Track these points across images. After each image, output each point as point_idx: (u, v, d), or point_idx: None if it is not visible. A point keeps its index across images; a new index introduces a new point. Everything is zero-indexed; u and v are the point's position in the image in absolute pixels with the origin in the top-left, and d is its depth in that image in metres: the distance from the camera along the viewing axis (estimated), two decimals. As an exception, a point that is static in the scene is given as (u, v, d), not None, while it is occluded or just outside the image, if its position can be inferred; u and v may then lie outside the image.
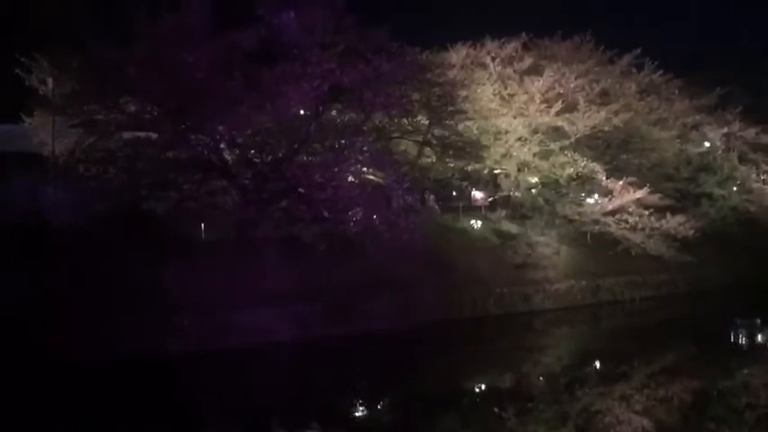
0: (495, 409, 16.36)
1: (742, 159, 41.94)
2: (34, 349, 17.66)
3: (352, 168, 25.58)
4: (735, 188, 40.82)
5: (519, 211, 34.44)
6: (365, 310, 23.78)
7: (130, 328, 19.36)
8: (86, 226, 21.44)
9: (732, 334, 25.45)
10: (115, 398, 16.74)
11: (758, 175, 42.61)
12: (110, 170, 24.08)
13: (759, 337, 26.33)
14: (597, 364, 21.68)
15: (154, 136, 24.60)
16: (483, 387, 19.20)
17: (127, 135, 24.66)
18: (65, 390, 16.94)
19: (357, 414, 16.85)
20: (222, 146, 24.83)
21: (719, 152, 41.53)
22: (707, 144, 41.67)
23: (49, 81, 26.17)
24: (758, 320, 27.81)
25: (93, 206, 22.31)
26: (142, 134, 24.69)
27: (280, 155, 25.00)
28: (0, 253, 19.52)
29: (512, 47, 34.09)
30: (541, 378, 19.98)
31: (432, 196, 35.38)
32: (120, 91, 23.95)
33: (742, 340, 25.40)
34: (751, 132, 41.30)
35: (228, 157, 25.22)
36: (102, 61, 23.05)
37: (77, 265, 19.87)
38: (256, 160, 25.27)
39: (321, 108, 26.14)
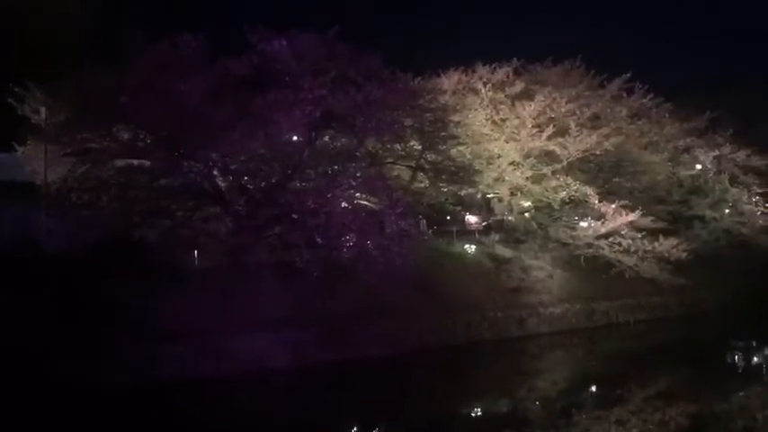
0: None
1: (733, 182, 42.12)
2: (23, 380, 17.43)
3: (346, 194, 25.60)
4: (727, 210, 40.99)
5: (513, 235, 34.49)
6: (359, 336, 23.61)
7: (123, 356, 19.20)
8: (79, 254, 21.36)
9: (728, 356, 25.44)
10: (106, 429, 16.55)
11: (750, 197, 42.74)
12: (102, 198, 24.02)
13: (754, 359, 26.33)
14: (593, 387, 21.56)
15: (147, 163, 24.62)
16: (479, 412, 19.06)
17: (120, 163, 24.67)
18: (53, 421, 16.73)
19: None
20: (215, 173, 24.86)
21: (711, 175, 41.75)
22: (698, 167, 41.90)
23: (42, 110, 26.20)
24: (753, 342, 27.85)
25: (86, 234, 22.21)
26: (135, 162, 24.71)
27: (273, 181, 25.03)
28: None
29: (503, 72, 34.43)
30: (537, 403, 19.84)
31: (424, 221, 35.42)
32: (113, 119, 23.99)
33: (738, 362, 25.39)
34: (742, 155, 41.55)
35: (221, 184, 25.24)
36: (95, 90, 23.09)
37: (69, 293, 19.76)
38: (249, 186, 25.29)
39: (314, 134, 26.29)
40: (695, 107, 40.91)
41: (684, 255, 32.90)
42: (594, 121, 34.92)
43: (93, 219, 23.16)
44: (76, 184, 24.11)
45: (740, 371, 24.32)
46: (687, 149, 41.32)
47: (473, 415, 18.85)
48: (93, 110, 23.57)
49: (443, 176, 32.62)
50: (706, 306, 35.06)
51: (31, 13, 34.84)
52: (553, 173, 33.26)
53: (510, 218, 35.38)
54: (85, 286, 20.20)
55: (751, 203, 42.74)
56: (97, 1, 38.26)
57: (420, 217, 34.74)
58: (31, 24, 34.66)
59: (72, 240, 21.95)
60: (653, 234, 33.29)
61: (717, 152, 42.00)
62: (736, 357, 26.30)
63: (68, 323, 19.10)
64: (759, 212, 42.91)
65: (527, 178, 33.36)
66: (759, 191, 42.74)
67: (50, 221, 23.52)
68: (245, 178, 25.37)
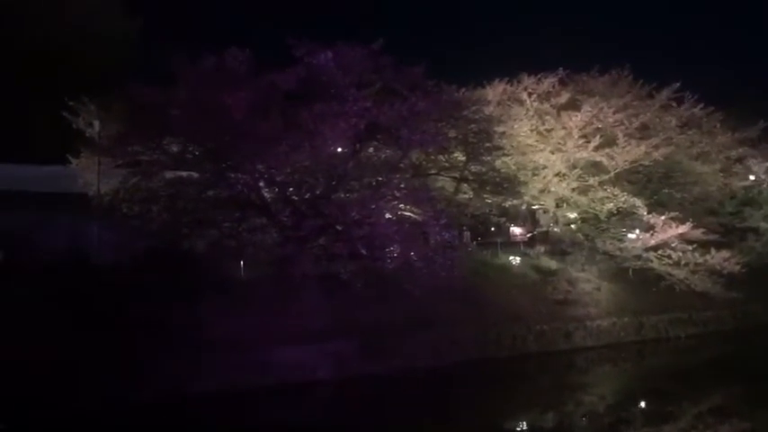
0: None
1: (789, 193, 40.92)
2: (72, 394, 17.79)
3: (389, 205, 25.66)
4: (782, 222, 39.79)
5: (558, 247, 34.08)
6: (403, 348, 23.58)
7: (167, 367, 19.48)
8: (128, 264, 21.88)
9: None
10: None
11: (806, 208, 41.46)
12: (152, 209, 24.55)
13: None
14: (642, 403, 21.12)
15: (195, 175, 25.08)
16: (524, 427, 18.82)
17: (169, 175, 25.18)
18: None
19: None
20: (261, 184, 25.18)
21: (765, 185, 40.63)
22: (752, 177, 40.80)
23: (96, 123, 27.03)
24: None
25: (136, 245, 22.75)
26: (184, 173, 25.19)
27: (317, 192, 25.24)
28: (43, 289, 19.89)
29: (548, 82, 34.11)
30: (584, 418, 19.51)
31: (468, 233, 35.24)
32: (163, 132, 24.54)
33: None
34: (796, 164, 40.37)
35: (267, 195, 25.56)
36: (146, 104, 23.69)
37: (117, 304, 20.17)
38: (294, 198, 25.53)
39: (358, 146, 26.45)
40: (747, 116, 39.90)
41: (737, 268, 32.03)
42: (643, 132, 34.32)
43: (143, 229, 23.73)
44: (128, 196, 24.71)
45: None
46: (740, 159, 40.29)
47: (518, 429, 18.64)
48: (144, 123, 24.19)
49: (488, 188, 32.41)
50: (759, 320, 34.06)
51: (85, 29, 36.03)
52: (600, 184, 32.79)
53: (556, 229, 35.00)
54: (134, 297, 20.58)
55: (807, 215, 41.44)
56: (146, 18, 39.41)
57: (464, 228, 34.62)
58: (86, 40, 35.84)
59: (122, 251, 22.50)
60: (704, 246, 32.48)
61: (771, 162, 40.89)
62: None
63: (115, 335, 19.46)
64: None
65: (573, 189, 32.97)
66: (816, 202, 41.42)
67: (102, 232, 24.14)
68: (291, 189, 25.62)
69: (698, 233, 32.43)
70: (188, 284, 21.05)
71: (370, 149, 28.12)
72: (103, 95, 26.36)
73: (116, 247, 22.41)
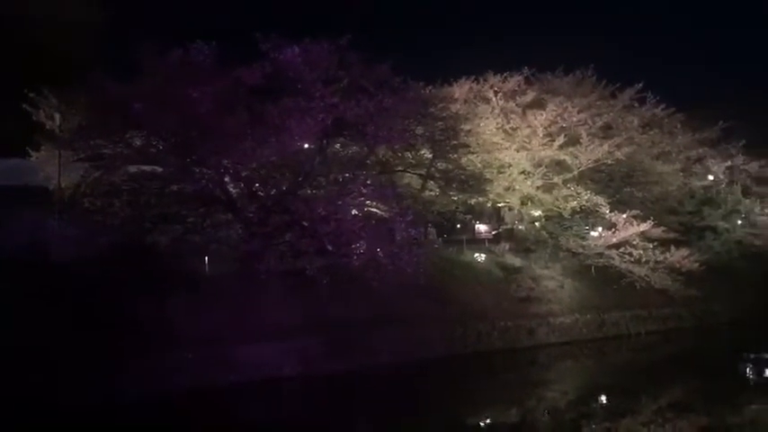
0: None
1: (746, 193, 41.88)
2: (33, 393, 17.42)
3: (356, 201, 25.62)
4: (739, 221, 40.70)
5: (523, 245, 34.41)
6: (369, 345, 23.61)
7: (133, 363, 19.22)
8: (90, 259, 21.47)
9: (739, 368, 25.23)
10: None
11: (762, 208, 42.51)
12: (115, 203, 24.17)
13: (766, 372, 26.11)
14: (603, 398, 21.45)
15: (159, 169, 24.75)
16: (488, 422, 18.99)
17: (132, 169, 24.84)
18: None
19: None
20: (227, 179, 24.97)
21: (723, 185, 41.54)
22: (710, 177, 41.73)
23: (57, 116, 26.52)
24: (765, 355, 27.62)
25: (98, 240, 22.37)
26: (147, 168, 24.86)
27: (284, 188, 25.11)
28: (3, 287, 19.44)
29: (514, 81, 34.45)
30: (547, 413, 19.75)
31: (434, 230, 35.40)
32: (126, 125, 24.15)
33: (749, 375, 25.19)
34: (754, 166, 41.39)
35: (233, 191, 25.34)
36: (109, 96, 23.29)
37: (79, 298, 19.82)
38: (260, 194, 25.36)
39: (325, 142, 26.36)
40: (707, 117, 40.77)
41: (696, 266, 32.75)
42: (606, 131, 34.86)
43: (105, 224, 23.35)
44: (89, 190, 24.31)
45: (752, 383, 24.13)
46: (699, 160, 41.18)
47: (482, 424, 18.80)
48: (107, 116, 23.80)
49: (454, 185, 32.61)
50: (718, 317, 34.83)
51: (45, 20, 35.21)
52: (564, 182, 33.19)
53: (520, 227, 35.34)
54: (95, 293, 20.27)
55: (764, 215, 42.50)
56: (111, 10, 38.65)
57: (430, 225, 34.77)
58: (46, 32, 35.02)
59: (84, 246, 22.08)
60: (664, 245, 33.13)
61: (729, 163, 41.88)
62: (748, 369, 26.09)
63: (78, 329, 19.14)
64: (772, 224, 42.63)
65: (538, 187, 33.31)
66: (772, 202, 42.53)
67: (63, 226, 23.70)
68: (257, 185, 25.46)
69: (658, 231, 33.10)
70: (152, 281, 20.80)
71: (337, 146, 28.08)
72: (66, 87, 25.82)
73: (77, 241, 21.98)
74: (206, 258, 24.61)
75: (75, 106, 25.47)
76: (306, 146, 25.98)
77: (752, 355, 27.75)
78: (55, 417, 16.97)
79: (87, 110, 24.65)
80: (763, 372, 26.32)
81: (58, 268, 21.08)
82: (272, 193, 25.25)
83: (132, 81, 23.62)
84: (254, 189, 25.41)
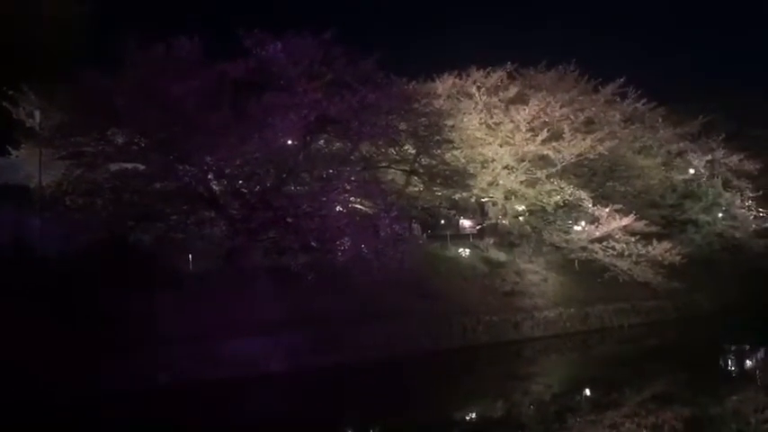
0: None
1: (726, 186, 42.41)
2: (12, 390, 17.22)
3: (340, 198, 25.61)
4: (720, 214, 41.22)
5: (507, 239, 34.58)
6: (354, 340, 23.62)
7: (117, 361, 19.11)
8: (73, 258, 21.29)
9: (721, 360, 25.51)
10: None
11: (742, 201, 43.06)
12: (97, 202, 23.95)
13: (747, 363, 26.44)
14: (587, 391, 21.61)
15: (141, 167, 24.52)
16: (474, 416, 19.06)
17: (114, 166, 24.59)
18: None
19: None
20: (210, 176, 24.81)
21: (704, 179, 42.01)
22: (691, 171, 42.15)
23: (37, 113, 26.14)
24: (747, 346, 27.97)
25: (80, 238, 22.15)
26: (129, 165, 24.62)
27: (268, 185, 25.01)
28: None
29: (497, 76, 34.53)
30: (532, 406, 19.87)
31: (418, 225, 35.45)
32: (108, 122, 23.91)
33: (731, 366, 25.49)
34: (734, 159, 41.81)
35: (216, 188, 25.20)
36: (90, 93, 23.04)
37: (62, 297, 19.64)
38: (244, 190, 25.24)
39: (309, 138, 26.30)
40: (688, 112, 41.16)
41: (678, 259, 33.10)
42: (588, 126, 35.07)
43: (87, 222, 23.09)
44: (71, 188, 24.04)
45: (733, 374, 24.43)
46: (680, 154, 41.58)
47: (467, 418, 18.86)
48: (88, 113, 23.53)
49: (438, 180, 32.68)
50: (700, 310, 35.23)
51: (25, 16, 34.70)
52: (547, 177, 33.37)
53: (504, 222, 35.50)
54: (79, 290, 20.05)
55: (744, 207, 43.07)
56: (92, 5, 38.13)
57: (414, 221, 34.82)
58: (26, 28, 34.52)
59: (66, 244, 21.88)
60: (647, 238, 33.45)
61: (710, 156, 42.32)
62: (730, 361, 26.42)
63: (61, 328, 18.97)
64: (752, 216, 43.25)
65: (521, 182, 33.47)
66: (752, 195, 43.09)
67: (45, 225, 23.45)
68: (240, 182, 25.33)
69: (640, 225, 33.41)
70: (136, 278, 20.61)
71: (321, 142, 28.01)
72: (47, 84, 25.50)
73: (60, 240, 21.77)
74: (190, 256, 24.47)
75: (55, 103, 25.14)
76: (290, 142, 25.94)
77: (733, 347, 28.12)
78: (35, 414, 16.82)
79: (68, 107, 24.35)
80: (744, 363, 26.67)
81: (41, 266, 20.86)
82: (256, 189, 25.14)
83: (114, 77, 23.37)
84: (237, 186, 25.28)
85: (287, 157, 25.17)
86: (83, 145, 24.36)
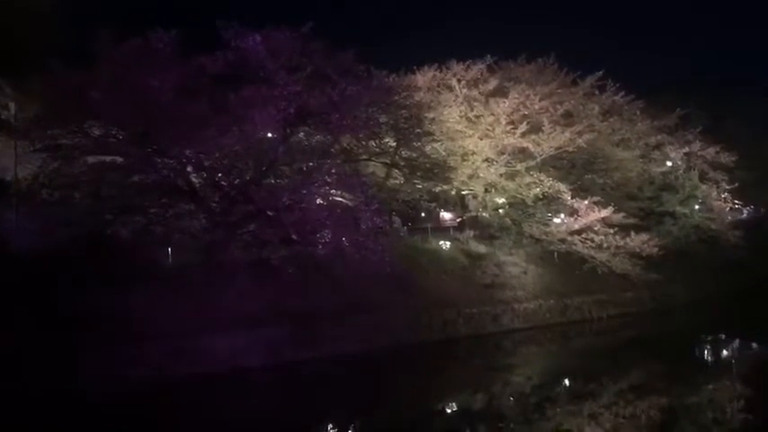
0: (467, 431, 16.36)
1: (703, 178, 42.83)
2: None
3: (321, 190, 25.55)
4: (696, 206, 41.64)
5: (487, 232, 34.71)
6: (335, 334, 23.62)
7: (96, 356, 18.98)
8: (50, 252, 21.04)
9: (697, 350, 25.82)
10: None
11: (719, 193, 43.55)
12: (74, 195, 23.70)
13: (723, 353, 26.82)
14: (566, 382, 21.78)
15: (119, 160, 24.30)
16: (454, 408, 19.15)
17: (92, 159, 24.33)
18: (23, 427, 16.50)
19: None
20: (189, 169, 24.64)
21: (681, 171, 42.37)
22: (669, 163, 42.50)
23: (12, 105, 25.78)
24: (722, 336, 28.36)
25: (57, 232, 21.90)
26: (107, 158, 24.38)
27: (247, 178, 24.90)
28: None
29: (477, 69, 34.57)
30: (512, 398, 20.01)
31: (398, 218, 35.46)
32: (85, 115, 23.63)
33: (707, 356, 25.83)
34: (711, 152, 42.23)
35: (195, 181, 25.04)
36: (66, 85, 22.76)
37: (39, 292, 19.43)
38: (224, 183, 25.11)
39: (289, 131, 26.18)
40: (666, 105, 41.50)
41: (656, 250, 33.40)
42: (567, 119, 35.24)
43: (64, 216, 22.81)
44: (47, 181, 23.73)
45: (709, 364, 24.75)
46: (658, 146, 41.91)
47: (448, 410, 18.94)
48: (64, 105, 23.22)
49: (418, 173, 32.72)
50: (677, 301, 35.59)
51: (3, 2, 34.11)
52: (527, 169, 33.52)
53: (484, 214, 35.62)
54: (56, 284, 19.90)
55: (720, 200, 43.59)
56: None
57: (395, 213, 34.84)
58: (4, 15, 33.94)
59: (43, 238, 21.62)
60: (625, 230, 33.72)
61: (687, 149, 42.70)
62: (706, 351, 26.77)
63: (39, 323, 18.80)
64: (728, 208, 43.76)
65: (501, 175, 33.60)
66: (728, 187, 43.58)
67: (21, 219, 23.15)
68: (220, 175, 25.20)
69: (619, 217, 33.71)
70: (115, 272, 20.49)
71: (301, 134, 27.88)
72: (22, 76, 25.12)
73: (37, 234, 21.50)
74: (169, 249, 24.30)
75: (30, 95, 24.78)
76: (269, 135, 25.81)
77: (709, 337, 28.49)
78: (12, 410, 16.63)
79: (43, 99, 24.03)
80: (720, 353, 27.04)
81: (17, 261, 20.65)
82: (236, 182, 25.02)
83: (90, 69, 23.09)
84: (216, 179, 25.14)
85: (267, 149, 25.06)
86: (59, 137, 24.06)
